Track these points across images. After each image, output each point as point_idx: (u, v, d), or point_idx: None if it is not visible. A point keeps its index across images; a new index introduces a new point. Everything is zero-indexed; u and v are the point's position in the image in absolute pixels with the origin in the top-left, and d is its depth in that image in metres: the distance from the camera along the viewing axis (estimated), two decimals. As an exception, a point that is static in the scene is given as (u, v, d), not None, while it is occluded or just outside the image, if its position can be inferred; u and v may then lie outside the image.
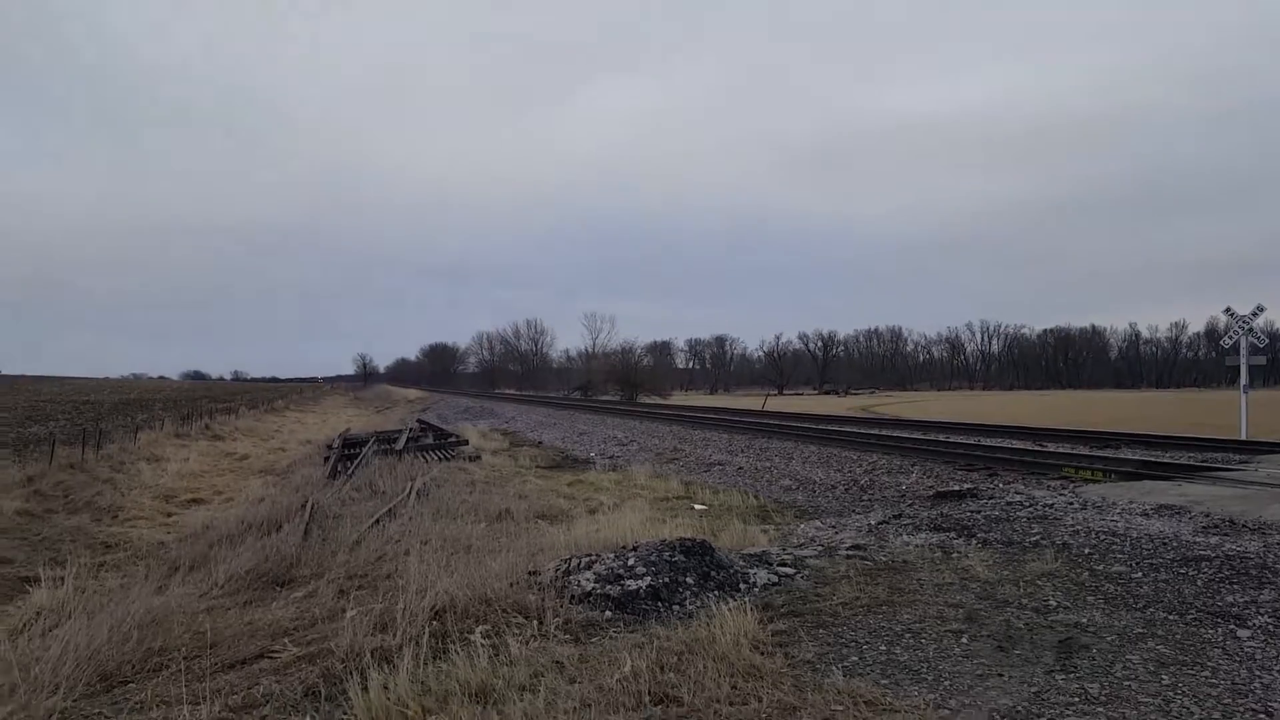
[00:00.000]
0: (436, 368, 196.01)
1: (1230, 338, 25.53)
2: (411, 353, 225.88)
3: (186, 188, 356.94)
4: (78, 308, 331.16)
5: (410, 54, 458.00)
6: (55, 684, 5.71)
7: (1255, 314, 24.51)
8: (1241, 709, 4.52)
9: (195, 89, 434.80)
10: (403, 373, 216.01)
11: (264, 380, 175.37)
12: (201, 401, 58.91)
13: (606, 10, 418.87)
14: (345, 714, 4.87)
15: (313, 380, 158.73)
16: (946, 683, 5.07)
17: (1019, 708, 4.66)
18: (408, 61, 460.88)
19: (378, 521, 13.45)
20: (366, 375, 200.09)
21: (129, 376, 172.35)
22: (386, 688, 5.01)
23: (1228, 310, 25.34)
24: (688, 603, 7.04)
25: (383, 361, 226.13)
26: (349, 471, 21.45)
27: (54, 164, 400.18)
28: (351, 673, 5.32)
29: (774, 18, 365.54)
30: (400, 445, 26.76)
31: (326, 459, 25.88)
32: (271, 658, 6.40)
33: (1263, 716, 4.42)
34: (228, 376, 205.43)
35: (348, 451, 26.62)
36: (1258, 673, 5.03)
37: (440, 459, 23.75)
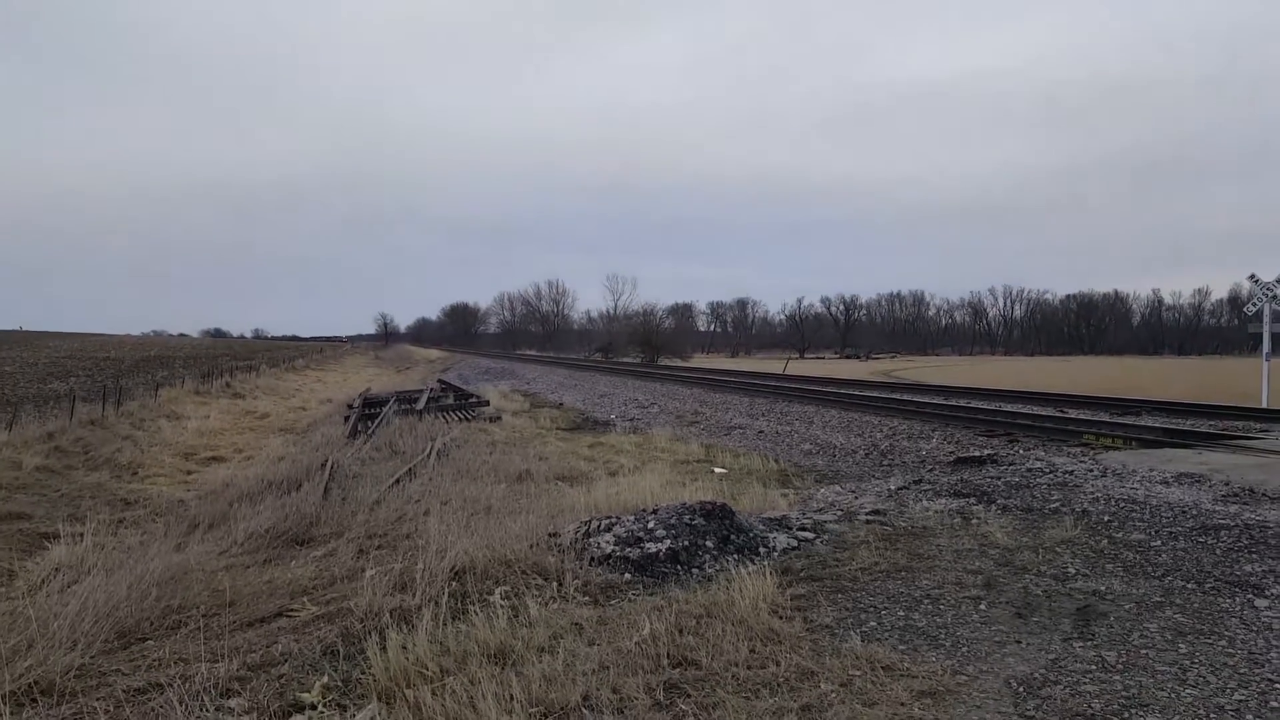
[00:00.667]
0: (457, 328, 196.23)
1: (1254, 304, 25.21)
2: (432, 313, 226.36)
3: (208, 144, 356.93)
4: (99, 264, 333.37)
5: (434, 5, 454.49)
6: (73, 640, 5.78)
7: (1280, 280, 24.19)
8: (1258, 678, 4.49)
9: (210, 43, 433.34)
10: (423, 333, 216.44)
11: (285, 339, 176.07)
12: (222, 359, 59.49)
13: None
14: (363, 673, 4.91)
15: (334, 339, 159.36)
16: (964, 649, 5.06)
17: (1036, 675, 4.65)
18: (431, 15, 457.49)
19: (398, 481, 13.54)
20: (387, 335, 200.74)
21: (149, 333, 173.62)
22: (405, 648, 5.04)
23: (1252, 277, 25.01)
24: (707, 566, 7.05)
25: (403, 321, 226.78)
26: (369, 431, 21.57)
27: (79, 121, 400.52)
28: (370, 632, 5.36)
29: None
30: (421, 405, 26.86)
31: (347, 418, 26.02)
32: (290, 616, 6.47)
33: (1279, 686, 4.40)
34: (249, 334, 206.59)
35: (368, 411, 26.73)
36: (1275, 642, 4.98)
37: (461, 419, 23.83)
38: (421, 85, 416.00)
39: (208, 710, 4.55)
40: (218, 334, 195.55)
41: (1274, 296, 24.10)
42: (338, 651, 5.31)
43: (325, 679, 4.82)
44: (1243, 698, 4.28)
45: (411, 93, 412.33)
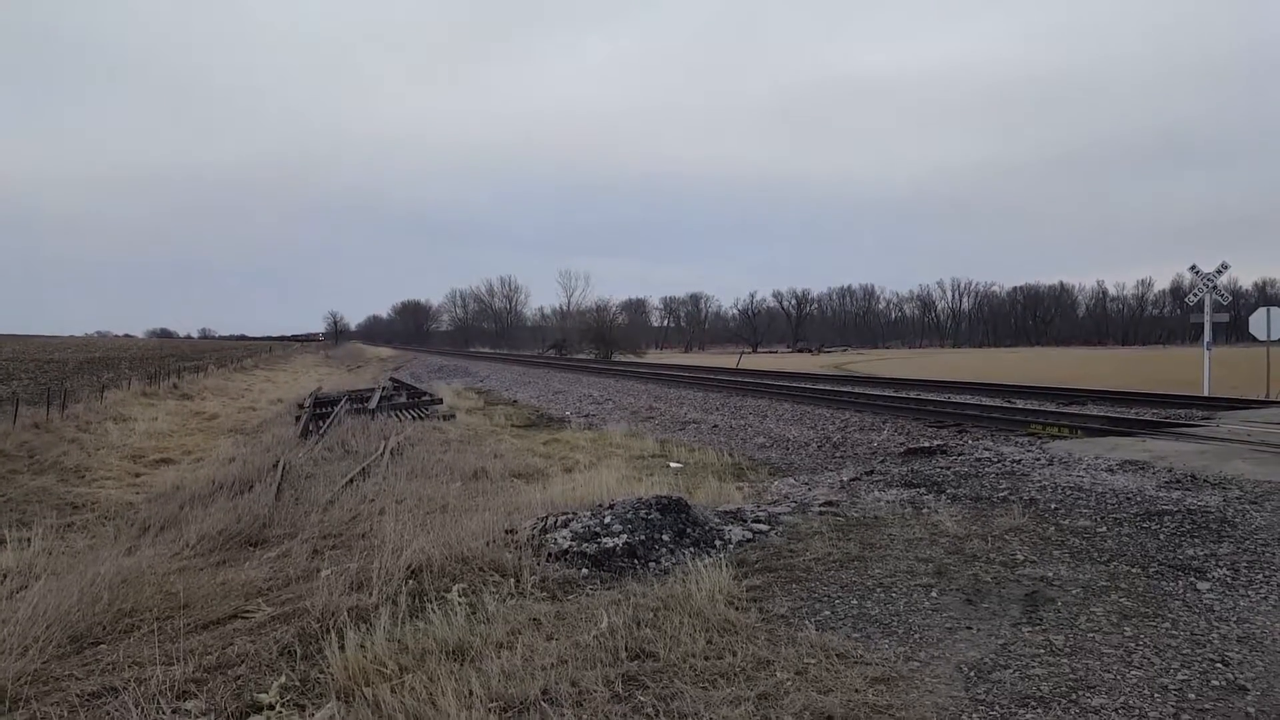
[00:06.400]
0: (409, 325, 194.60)
1: (1195, 295, 25.86)
2: (384, 310, 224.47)
3: (151, 141, 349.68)
4: (38, 263, 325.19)
5: (387, 6, 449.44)
6: (24, 646, 5.68)
7: (1219, 271, 24.82)
8: (1200, 659, 4.64)
9: (154, 37, 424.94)
10: (374, 331, 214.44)
11: (233, 338, 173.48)
12: (169, 360, 58.40)
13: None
14: (321, 673, 4.89)
15: (283, 339, 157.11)
16: (916, 636, 5.17)
17: (986, 659, 4.76)
18: (382, 16, 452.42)
19: (351, 481, 13.43)
20: (337, 333, 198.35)
21: (93, 334, 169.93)
22: (363, 646, 5.04)
23: (1193, 268, 25.63)
24: (664, 560, 7.10)
25: (354, 319, 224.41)
26: (321, 431, 21.34)
27: (16, 116, 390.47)
28: (328, 631, 5.34)
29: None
30: (373, 404, 26.60)
31: (298, 418, 25.70)
32: (245, 618, 6.40)
33: (1219, 665, 4.54)
34: (195, 334, 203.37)
35: (319, 411, 26.42)
36: (1216, 624, 5.15)
37: (414, 418, 23.65)
38: (373, 85, 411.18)
39: (164, 713, 4.51)
40: (164, 334, 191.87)
41: (1214, 288, 24.72)
42: (295, 652, 5.28)
43: (283, 679, 4.79)
44: (1185, 677, 4.42)
45: (362, 92, 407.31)
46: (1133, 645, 4.86)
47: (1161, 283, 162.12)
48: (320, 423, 23.23)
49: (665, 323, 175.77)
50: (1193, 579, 6.00)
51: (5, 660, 5.36)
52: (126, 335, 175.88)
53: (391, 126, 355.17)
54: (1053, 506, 8.35)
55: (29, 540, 11.38)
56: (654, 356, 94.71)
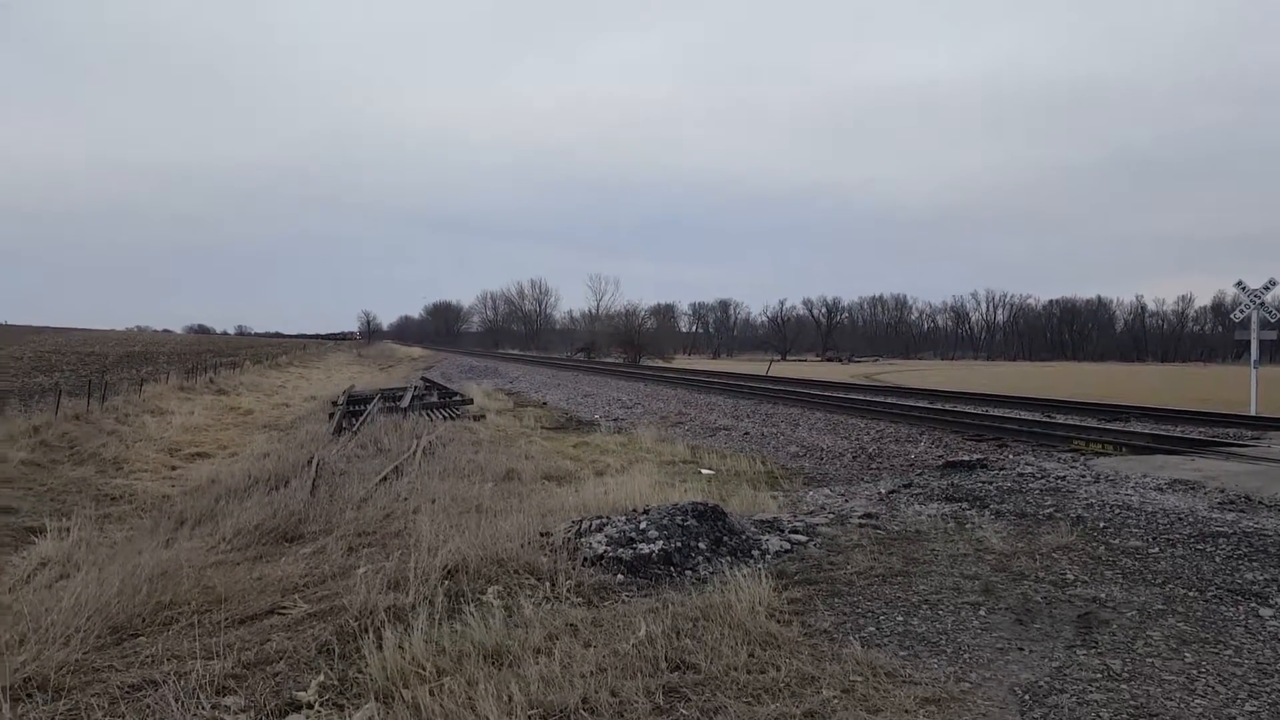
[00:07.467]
0: (440, 326, 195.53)
1: (1241, 311, 25.33)
2: (415, 310, 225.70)
3: (188, 139, 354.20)
4: (82, 258, 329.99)
5: (417, 6, 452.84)
6: (66, 636, 5.68)
7: (1267, 288, 24.32)
8: (1269, 690, 4.45)
9: (194, 36, 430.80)
10: (406, 330, 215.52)
11: (267, 335, 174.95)
12: (206, 355, 58.98)
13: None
14: (360, 673, 4.83)
15: (317, 337, 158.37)
16: (966, 655, 5.02)
17: (1040, 682, 4.61)
18: (414, 13, 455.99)
19: (384, 479, 13.41)
20: (370, 332, 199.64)
21: (133, 328, 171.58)
22: (401, 647, 4.98)
23: (1239, 284, 25.12)
24: (700, 568, 7.00)
25: (386, 319, 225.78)
26: (354, 428, 21.40)
27: (60, 113, 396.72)
28: (366, 630, 5.28)
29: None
30: (405, 403, 26.70)
31: (331, 415, 25.82)
32: (282, 614, 6.36)
33: (1289, 698, 4.36)
34: (231, 331, 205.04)
35: (352, 408, 26.55)
36: (1283, 652, 4.96)
37: (445, 417, 23.67)
38: (405, 82, 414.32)
39: (204, 708, 4.47)
40: (201, 330, 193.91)
41: (1261, 304, 24.24)
42: (333, 650, 5.23)
43: (321, 678, 4.74)
44: (1254, 709, 4.25)
45: (396, 90, 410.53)
46: (1195, 672, 4.69)
47: (1202, 299, 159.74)
48: (353, 420, 23.32)
49: (694, 328, 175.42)
50: (1254, 604, 5.80)
51: (49, 650, 5.37)
52: (165, 330, 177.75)
53: (427, 126, 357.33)
54: (1101, 525, 8.15)
55: (68, 530, 11.48)
56: (682, 362, 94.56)
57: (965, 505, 9.40)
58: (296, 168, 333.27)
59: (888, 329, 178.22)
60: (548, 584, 6.46)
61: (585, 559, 7.06)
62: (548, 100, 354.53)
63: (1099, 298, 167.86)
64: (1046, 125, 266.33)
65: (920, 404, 25.61)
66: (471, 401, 28.02)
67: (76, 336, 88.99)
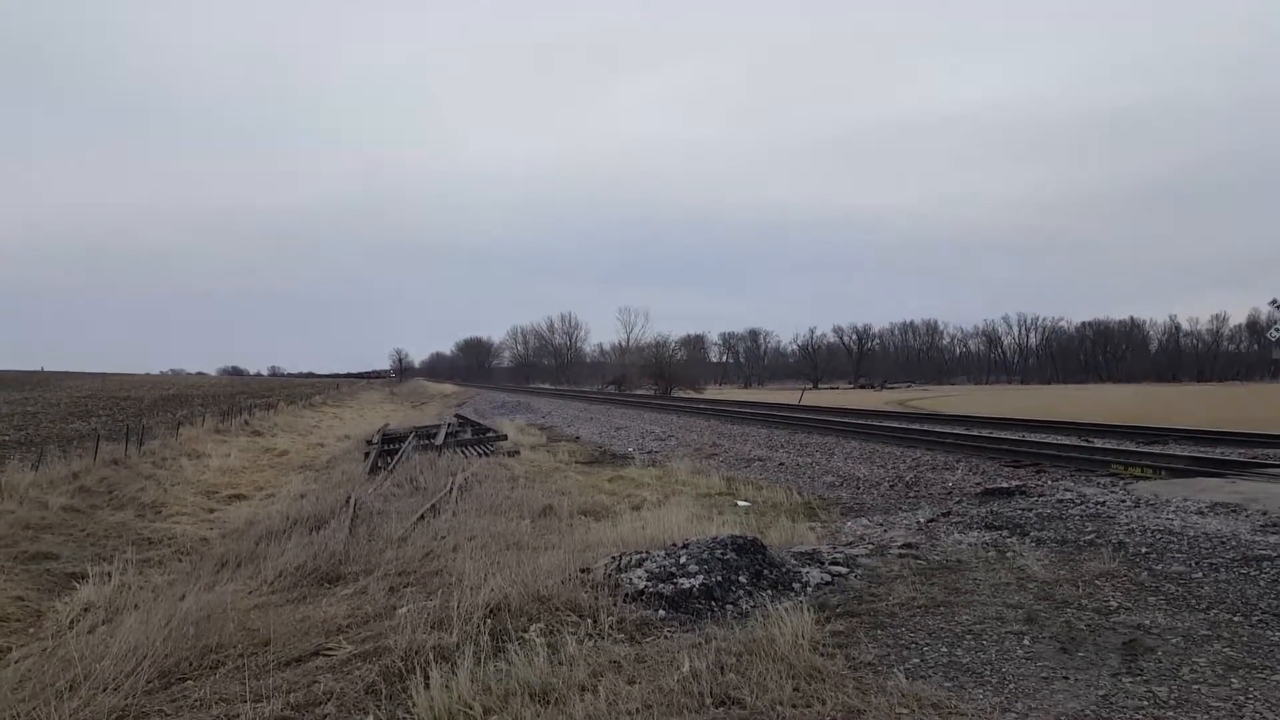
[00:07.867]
0: (471, 362, 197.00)
1: (1277, 329, 25.08)
2: (446, 347, 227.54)
3: (215, 183, 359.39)
4: (115, 302, 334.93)
5: (445, 44, 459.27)
6: (117, 682, 5.78)
7: (1305, 306, 24.04)
8: (1321, 716, 4.42)
9: (221, 82, 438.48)
10: (437, 367, 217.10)
11: (301, 375, 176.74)
12: (240, 397, 59.68)
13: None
14: (407, 713, 4.89)
15: (349, 376, 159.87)
16: (1011, 685, 5.01)
17: (1087, 711, 4.59)
18: (438, 52, 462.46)
19: (422, 518, 13.51)
20: (402, 370, 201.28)
21: (167, 372, 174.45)
22: (448, 686, 5.03)
23: (1273, 302, 25.30)
24: (741, 602, 7.00)
25: (417, 356, 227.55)
26: (390, 467, 21.58)
27: (89, 161, 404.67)
28: (413, 670, 5.34)
29: (806, 7, 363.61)
30: (439, 440, 26.88)
31: (366, 454, 26.04)
32: (327, 655, 6.44)
33: (1343, 724, 4.32)
34: (265, 372, 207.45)
35: (387, 447, 26.78)
36: (1333, 678, 4.90)
37: (480, 454, 23.81)
38: (430, 122, 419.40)
39: (256, 752, 4.54)
40: (235, 372, 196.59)
41: (1297, 323, 23.94)
42: (380, 690, 5.29)
43: (370, 719, 4.79)
44: (1304, 734, 4.21)
45: (421, 129, 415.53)
46: (1242, 699, 4.65)
47: (1237, 317, 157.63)
48: (388, 459, 23.52)
49: (724, 358, 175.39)
50: (1301, 629, 5.73)
51: (101, 696, 5.46)
52: (199, 373, 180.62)
53: (458, 164, 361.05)
54: (1143, 550, 8.08)
55: (109, 575, 11.64)
56: (713, 392, 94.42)
57: (1005, 533, 9.35)
58: (326, 208, 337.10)
59: (919, 355, 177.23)
60: (590, 621, 6.49)
61: (626, 595, 7.10)
62: (576, 139, 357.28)
63: (1132, 318, 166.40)
64: (1076, 150, 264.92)
65: (956, 430, 25.43)
66: (505, 437, 28.16)
67: (112, 381, 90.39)
